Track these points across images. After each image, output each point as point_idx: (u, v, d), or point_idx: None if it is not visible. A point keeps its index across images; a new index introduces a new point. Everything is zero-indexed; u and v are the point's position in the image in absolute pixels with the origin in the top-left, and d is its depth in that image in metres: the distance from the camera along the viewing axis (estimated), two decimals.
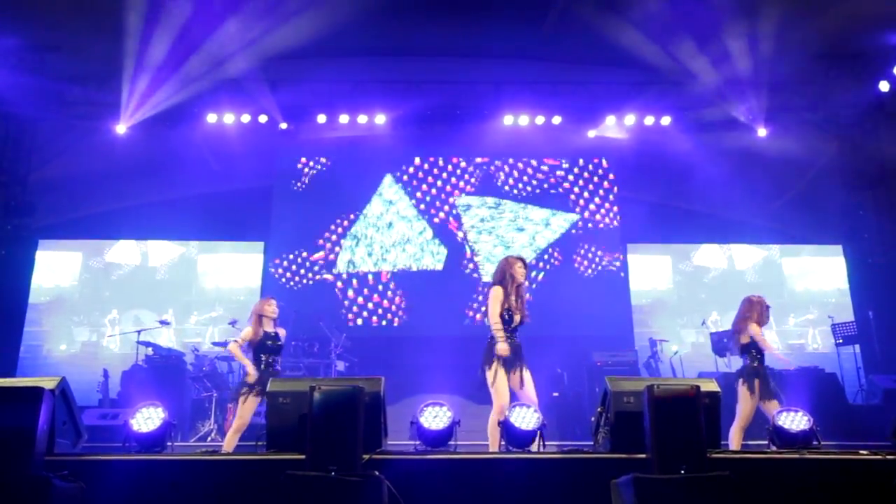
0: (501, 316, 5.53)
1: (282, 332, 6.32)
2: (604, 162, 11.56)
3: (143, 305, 9.34)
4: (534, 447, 4.69)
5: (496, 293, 5.60)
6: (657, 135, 10.83)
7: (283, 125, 10.62)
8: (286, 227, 11.02)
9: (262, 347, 6.07)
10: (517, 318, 5.60)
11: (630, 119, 10.74)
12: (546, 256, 11.08)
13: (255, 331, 6.07)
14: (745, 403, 5.91)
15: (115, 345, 9.10)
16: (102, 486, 3.87)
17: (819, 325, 10.64)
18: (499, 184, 11.42)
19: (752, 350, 6.06)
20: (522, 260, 5.82)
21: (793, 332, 10.76)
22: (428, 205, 11.23)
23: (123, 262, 9.56)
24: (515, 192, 11.39)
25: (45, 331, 9.14)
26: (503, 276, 5.69)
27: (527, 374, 5.46)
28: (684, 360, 9.87)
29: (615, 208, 11.36)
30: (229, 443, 5.88)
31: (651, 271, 11.09)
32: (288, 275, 10.82)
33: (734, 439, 5.91)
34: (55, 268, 9.15)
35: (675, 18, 9.12)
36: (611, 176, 11.51)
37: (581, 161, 11.55)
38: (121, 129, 10.06)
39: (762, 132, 10.58)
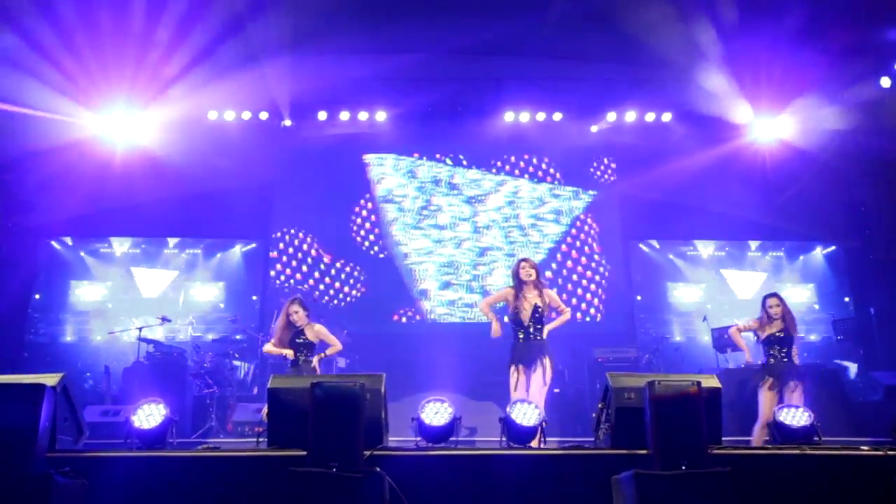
0: (511, 315, 5.75)
1: (312, 330, 6.42)
2: (604, 158, 11.55)
3: (148, 312, 10.81)
4: (534, 443, 4.70)
5: (504, 290, 5.92)
6: (658, 131, 10.82)
7: (287, 122, 10.62)
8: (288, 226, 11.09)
9: (291, 345, 6.36)
10: (525, 316, 5.70)
11: (631, 116, 10.73)
12: (547, 252, 11.07)
13: (280, 329, 6.37)
14: (761, 401, 6.07)
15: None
16: (104, 482, 3.88)
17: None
18: (500, 180, 11.40)
19: (766, 348, 6.21)
20: (525, 260, 5.95)
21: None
22: (428, 202, 11.22)
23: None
24: (516, 188, 11.37)
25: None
26: (513, 276, 5.92)
27: (534, 376, 5.52)
28: (685, 357, 9.91)
29: (616, 205, 11.36)
30: None
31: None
32: (288, 271, 10.86)
33: (755, 437, 5.97)
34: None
35: (675, 16, 9.10)
36: (611, 172, 11.51)
37: (581, 157, 11.53)
38: (122, 128, 10.08)
39: (763, 129, 10.56)
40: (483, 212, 11.17)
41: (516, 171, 11.44)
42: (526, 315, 5.71)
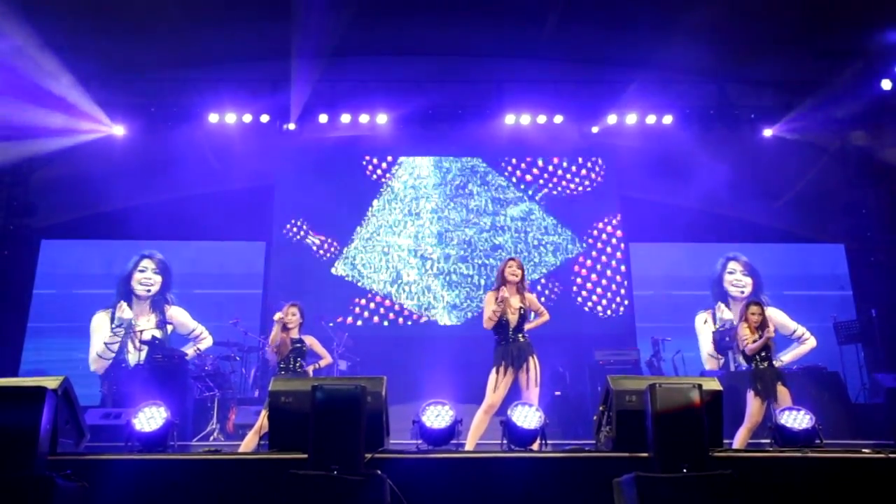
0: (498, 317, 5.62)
1: (308, 339, 6.47)
2: (605, 161, 11.55)
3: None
4: (535, 446, 4.69)
5: (487, 297, 5.76)
6: (659, 133, 10.82)
7: (292, 126, 10.57)
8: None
9: (291, 351, 6.30)
10: (512, 318, 5.62)
11: (632, 118, 10.70)
12: (546, 254, 11.07)
13: (275, 336, 6.23)
14: (749, 405, 6.03)
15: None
16: (105, 485, 3.88)
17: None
18: (500, 183, 11.40)
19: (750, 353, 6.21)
20: (514, 259, 5.86)
21: None
22: (429, 204, 11.22)
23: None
24: (516, 190, 11.37)
25: None
26: (498, 276, 5.80)
27: (527, 377, 5.48)
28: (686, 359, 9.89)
29: (616, 207, 11.35)
30: (250, 443, 5.86)
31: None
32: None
33: (739, 439, 5.94)
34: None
35: (676, 17, 9.11)
36: (612, 174, 11.50)
37: (581, 160, 11.53)
38: (121, 129, 10.11)
39: (765, 131, 10.56)
40: (488, 214, 11.21)
41: (518, 172, 11.44)
42: (513, 319, 5.60)
